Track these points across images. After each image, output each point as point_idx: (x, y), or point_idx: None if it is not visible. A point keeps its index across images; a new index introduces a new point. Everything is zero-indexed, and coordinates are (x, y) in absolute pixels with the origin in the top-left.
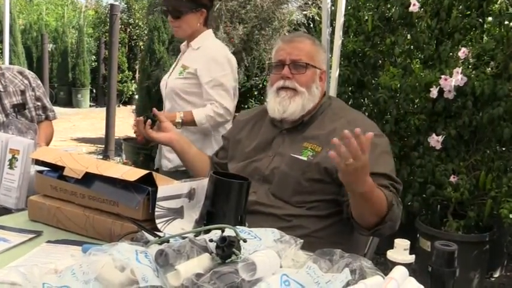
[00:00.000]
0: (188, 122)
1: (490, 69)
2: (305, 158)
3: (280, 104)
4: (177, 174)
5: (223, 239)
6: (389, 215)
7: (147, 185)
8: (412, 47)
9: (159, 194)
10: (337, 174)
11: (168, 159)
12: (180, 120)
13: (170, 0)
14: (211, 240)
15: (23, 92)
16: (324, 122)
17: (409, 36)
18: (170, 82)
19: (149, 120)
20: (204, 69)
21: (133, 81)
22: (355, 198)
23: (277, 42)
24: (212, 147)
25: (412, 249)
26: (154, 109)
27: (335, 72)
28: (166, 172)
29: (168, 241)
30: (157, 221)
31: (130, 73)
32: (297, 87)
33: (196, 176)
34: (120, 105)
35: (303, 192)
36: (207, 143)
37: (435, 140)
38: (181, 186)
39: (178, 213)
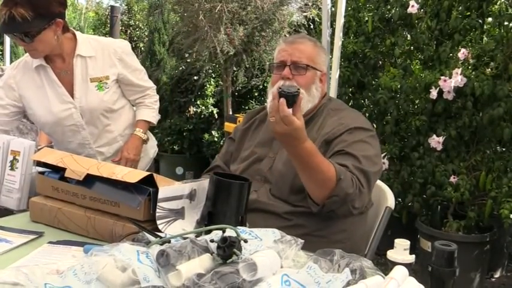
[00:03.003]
0: (146, 130)
1: (489, 69)
2: None
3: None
4: None
5: (224, 239)
6: (336, 189)
7: (148, 186)
8: (412, 47)
9: (160, 195)
10: None
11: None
12: (145, 135)
13: (14, 26)
14: (212, 241)
15: None
16: (319, 122)
17: (409, 37)
18: (89, 104)
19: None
20: (124, 67)
21: None
22: (294, 162)
23: (279, 43)
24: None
25: (413, 250)
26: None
27: (335, 73)
28: None
29: (169, 241)
30: (158, 221)
31: None
32: None
33: None
34: None
35: (299, 192)
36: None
37: (435, 141)
38: (182, 187)
39: (179, 214)
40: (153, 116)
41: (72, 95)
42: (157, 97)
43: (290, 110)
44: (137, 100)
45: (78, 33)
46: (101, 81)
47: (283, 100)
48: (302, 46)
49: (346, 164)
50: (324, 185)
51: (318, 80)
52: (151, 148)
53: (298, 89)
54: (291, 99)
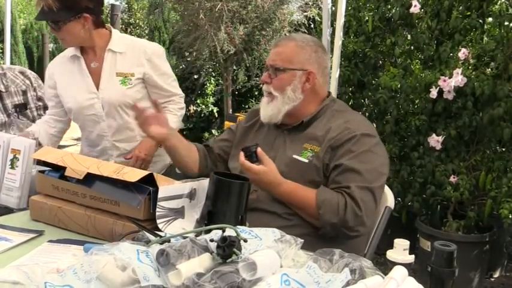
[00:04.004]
0: None
1: (490, 69)
2: (305, 160)
3: (262, 109)
4: None
5: (224, 238)
6: (321, 222)
7: (148, 185)
8: (412, 47)
9: (160, 194)
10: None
11: None
12: None
13: (43, 14)
14: (212, 240)
15: (24, 92)
16: (323, 123)
17: (409, 37)
18: (112, 96)
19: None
20: (152, 68)
21: None
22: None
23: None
24: None
25: (412, 250)
26: (259, 149)
27: (335, 73)
28: None
29: (169, 241)
30: (158, 221)
31: None
32: (272, 91)
33: (187, 169)
34: None
35: None
36: None
37: (435, 141)
38: (182, 187)
39: (179, 213)
40: (174, 122)
41: (97, 86)
42: (182, 105)
43: (251, 163)
44: (162, 105)
45: (114, 31)
46: (125, 76)
47: (242, 154)
48: (280, 48)
49: (349, 185)
50: (310, 217)
51: (298, 80)
52: None
53: (256, 144)
54: (252, 153)
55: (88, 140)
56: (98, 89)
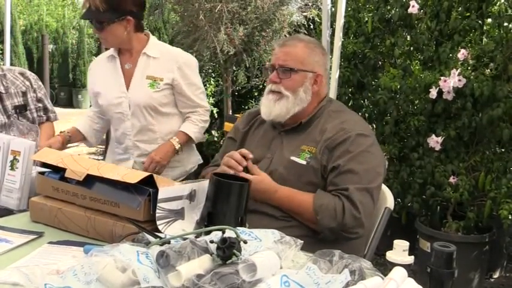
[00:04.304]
0: (184, 143)
1: (489, 70)
2: (304, 162)
3: (267, 106)
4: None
5: (223, 240)
6: (319, 227)
7: (148, 187)
8: (411, 48)
9: (160, 196)
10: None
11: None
12: (179, 146)
13: (90, 13)
14: (212, 242)
15: (24, 94)
16: (320, 124)
17: (408, 38)
18: (139, 97)
19: None
20: (181, 77)
21: None
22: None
23: (274, 46)
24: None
25: (412, 250)
26: (249, 162)
27: (335, 74)
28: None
29: (169, 242)
30: (158, 222)
31: None
32: (282, 91)
33: None
34: None
35: None
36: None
37: (435, 141)
38: (182, 188)
39: (179, 214)
40: (194, 132)
41: (128, 86)
42: (206, 118)
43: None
44: (187, 114)
45: (152, 37)
46: (154, 80)
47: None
48: (290, 48)
49: (347, 187)
50: (308, 222)
51: (308, 82)
52: (190, 163)
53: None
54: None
55: (115, 136)
56: (127, 89)
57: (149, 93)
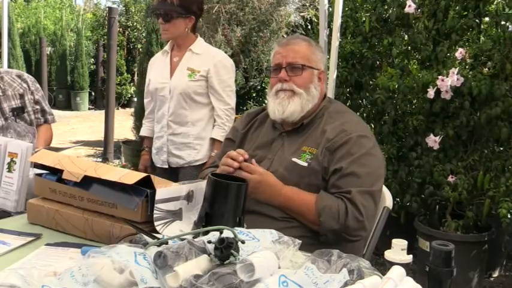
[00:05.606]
0: (219, 147)
1: (487, 69)
2: (305, 163)
3: (279, 105)
4: (192, 169)
5: (221, 240)
6: (321, 230)
7: (145, 188)
8: (409, 47)
9: (158, 197)
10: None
11: (178, 156)
12: (214, 153)
13: (163, 5)
14: (209, 242)
15: (21, 96)
16: (321, 125)
17: (406, 37)
18: (178, 84)
19: None
20: (215, 72)
21: (131, 83)
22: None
23: (274, 46)
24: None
25: (411, 250)
26: (253, 161)
27: (333, 74)
28: (176, 168)
29: (166, 243)
30: (156, 223)
31: (129, 76)
32: (294, 88)
33: None
34: (119, 107)
35: None
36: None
37: (433, 141)
38: (180, 189)
39: (176, 215)
40: (222, 136)
41: (171, 75)
42: (232, 117)
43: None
44: (216, 113)
45: (200, 38)
46: (193, 71)
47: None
48: (296, 46)
49: (349, 189)
50: (310, 223)
51: (315, 78)
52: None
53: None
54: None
55: (156, 117)
56: (170, 78)
57: (186, 82)
